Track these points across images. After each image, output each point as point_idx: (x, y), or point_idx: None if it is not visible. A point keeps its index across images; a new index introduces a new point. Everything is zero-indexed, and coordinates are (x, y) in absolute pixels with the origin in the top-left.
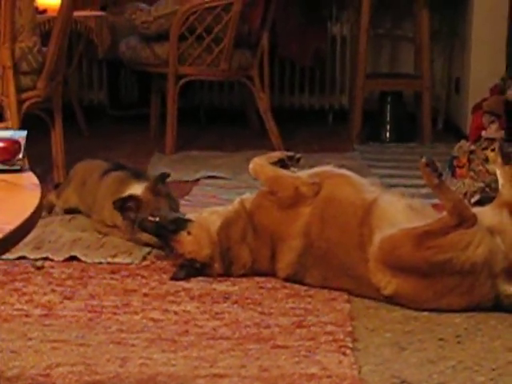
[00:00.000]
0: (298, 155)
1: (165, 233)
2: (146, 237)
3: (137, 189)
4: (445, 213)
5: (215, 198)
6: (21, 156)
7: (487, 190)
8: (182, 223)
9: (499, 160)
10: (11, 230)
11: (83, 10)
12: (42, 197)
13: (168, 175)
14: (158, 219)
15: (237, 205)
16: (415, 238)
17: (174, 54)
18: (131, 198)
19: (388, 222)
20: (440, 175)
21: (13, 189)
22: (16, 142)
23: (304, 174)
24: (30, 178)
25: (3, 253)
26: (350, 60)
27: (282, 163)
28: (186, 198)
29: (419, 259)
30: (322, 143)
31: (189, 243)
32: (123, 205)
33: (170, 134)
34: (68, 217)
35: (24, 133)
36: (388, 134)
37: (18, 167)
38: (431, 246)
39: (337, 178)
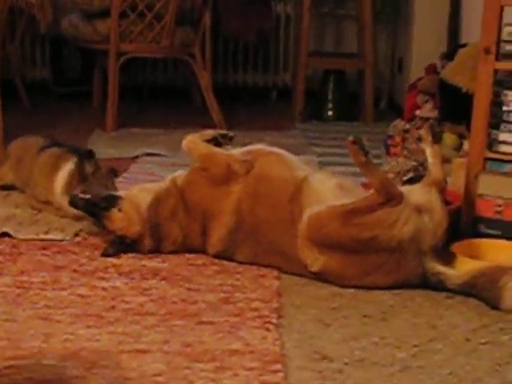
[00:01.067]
0: (230, 133)
1: (96, 210)
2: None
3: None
4: (372, 191)
5: (153, 175)
6: None
7: (420, 168)
8: (112, 200)
9: (429, 139)
10: None
11: None
12: None
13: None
14: (88, 196)
15: (168, 182)
16: (342, 216)
17: (115, 31)
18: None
19: (316, 199)
20: (367, 153)
21: None
22: None
23: (237, 151)
24: None
25: None
26: (294, 38)
27: (215, 141)
28: (124, 175)
29: (346, 236)
30: (264, 121)
31: (119, 220)
32: (88, 155)
33: (110, 112)
34: (3, 193)
35: None
36: (330, 113)
37: None
38: (357, 223)
39: (269, 155)
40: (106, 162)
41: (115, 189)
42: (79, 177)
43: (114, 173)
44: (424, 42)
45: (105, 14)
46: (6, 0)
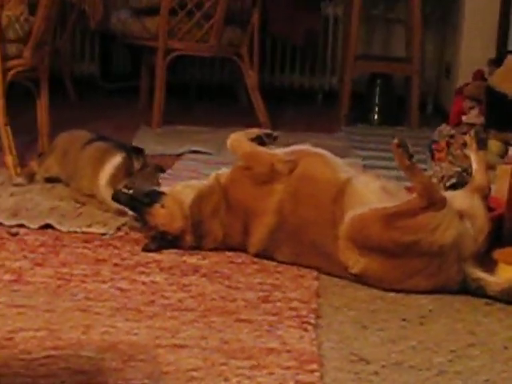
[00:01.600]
0: (275, 133)
1: (138, 205)
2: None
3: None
4: (415, 194)
5: (196, 172)
6: None
7: (464, 174)
8: (155, 196)
9: (474, 145)
10: None
11: None
12: None
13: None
14: (131, 191)
15: (211, 179)
16: (384, 218)
17: (163, 29)
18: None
19: (360, 201)
20: (411, 157)
21: None
22: None
23: (281, 151)
24: None
25: None
26: (342, 41)
27: (259, 140)
28: (168, 171)
29: (387, 239)
30: (309, 123)
31: (161, 216)
32: (136, 151)
33: (157, 108)
34: (48, 186)
35: None
36: (376, 117)
37: None
38: (399, 226)
39: (313, 156)
40: (152, 159)
41: (159, 186)
42: (125, 172)
43: (161, 170)
44: (472, 48)
45: (154, 11)
46: None
